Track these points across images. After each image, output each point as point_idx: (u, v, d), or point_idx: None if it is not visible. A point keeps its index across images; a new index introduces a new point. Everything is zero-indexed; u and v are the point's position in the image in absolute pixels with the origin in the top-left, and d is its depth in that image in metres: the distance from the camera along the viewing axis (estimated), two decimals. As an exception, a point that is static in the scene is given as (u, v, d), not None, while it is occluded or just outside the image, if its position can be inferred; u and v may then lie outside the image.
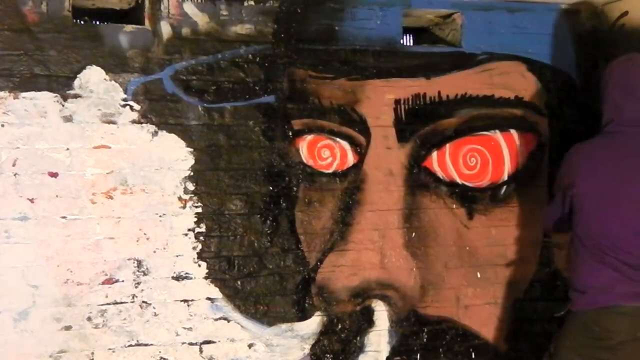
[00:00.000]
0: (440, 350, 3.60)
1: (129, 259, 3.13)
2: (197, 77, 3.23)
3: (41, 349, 3.02)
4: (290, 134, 3.36)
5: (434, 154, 3.57)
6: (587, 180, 2.99)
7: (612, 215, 2.92)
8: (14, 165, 2.97)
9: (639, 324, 2.87)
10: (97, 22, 3.21)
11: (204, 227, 3.24)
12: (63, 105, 3.04)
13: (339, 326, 3.46)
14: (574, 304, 3.02)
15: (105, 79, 3.09)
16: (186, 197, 3.21)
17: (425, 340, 3.57)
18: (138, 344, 3.16)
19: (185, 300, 3.22)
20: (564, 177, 3.12)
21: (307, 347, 3.41)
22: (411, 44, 3.82)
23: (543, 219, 3.48)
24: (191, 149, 3.22)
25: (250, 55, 3.31)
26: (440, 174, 3.59)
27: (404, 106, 3.52)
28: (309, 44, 3.38)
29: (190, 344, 3.23)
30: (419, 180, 3.55)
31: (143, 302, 3.16)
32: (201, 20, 3.24)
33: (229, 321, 3.29)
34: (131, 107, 3.13)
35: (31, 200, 2.99)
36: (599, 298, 2.92)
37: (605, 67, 3.18)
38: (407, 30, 3.71)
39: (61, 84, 3.04)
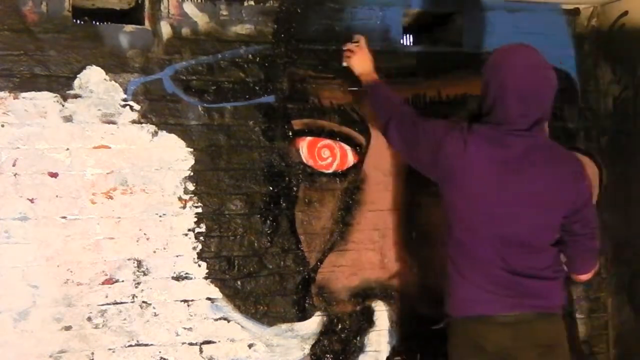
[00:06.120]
0: (441, 350, 3.60)
1: (129, 259, 3.13)
2: (197, 77, 3.23)
3: (41, 349, 3.01)
4: (290, 134, 3.36)
5: (434, 154, 3.57)
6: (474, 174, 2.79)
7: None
8: (14, 165, 2.97)
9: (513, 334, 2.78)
10: (97, 22, 3.20)
11: (204, 227, 3.24)
12: (63, 106, 3.04)
13: (339, 326, 3.45)
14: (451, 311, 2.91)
15: (105, 79, 3.09)
16: (186, 197, 3.21)
17: (425, 340, 3.57)
18: (138, 344, 3.15)
19: (185, 301, 3.22)
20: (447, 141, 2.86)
21: (307, 347, 3.41)
22: (411, 44, 3.82)
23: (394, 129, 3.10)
24: (191, 149, 3.22)
25: (250, 55, 3.31)
26: (440, 174, 3.58)
27: (404, 106, 3.52)
28: (309, 44, 3.38)
29: (190, 344, 3.22)
30: (419, 179, 3.54)
31: (143, 302, 3.16)
32: (201, 20, 3.24)
33: (229, 321, 3.28)
34: (131, 107, 3.13)
35: (31, 200, 2.99)
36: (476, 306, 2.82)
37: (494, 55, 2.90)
38: (407, 30, 3.71)
39: (61, 84, 3.04)
